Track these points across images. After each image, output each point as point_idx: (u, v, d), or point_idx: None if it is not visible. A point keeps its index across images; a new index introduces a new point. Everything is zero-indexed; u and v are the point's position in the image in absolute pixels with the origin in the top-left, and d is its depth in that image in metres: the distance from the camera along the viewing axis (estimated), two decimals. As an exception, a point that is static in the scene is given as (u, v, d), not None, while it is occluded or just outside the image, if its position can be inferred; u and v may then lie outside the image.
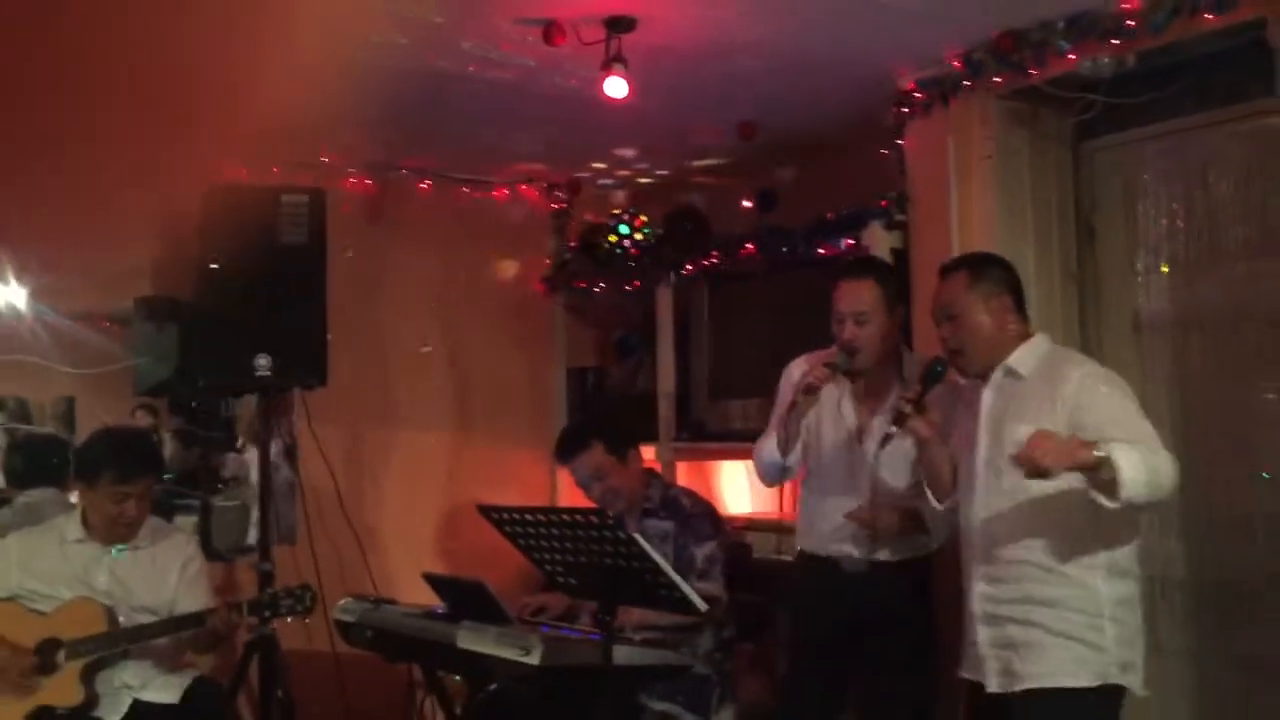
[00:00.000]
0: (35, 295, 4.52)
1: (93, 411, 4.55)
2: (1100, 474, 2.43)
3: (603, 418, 3.93)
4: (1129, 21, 3.10)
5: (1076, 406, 2.65)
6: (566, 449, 3.76)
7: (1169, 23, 3.03)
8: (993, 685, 2.77)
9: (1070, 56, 3.25)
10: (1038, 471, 2.44)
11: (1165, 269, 3.55)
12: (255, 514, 4.49)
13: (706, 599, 3.45)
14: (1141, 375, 3.57)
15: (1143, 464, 2.42)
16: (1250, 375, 3.35)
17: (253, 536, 4.51)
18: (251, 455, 4.56)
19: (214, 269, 3.86)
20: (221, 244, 3.85)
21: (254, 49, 3.11)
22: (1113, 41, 3.15)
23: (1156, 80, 3.34)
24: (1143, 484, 2.42)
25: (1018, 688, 2.71)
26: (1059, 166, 3.70)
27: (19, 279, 4.47)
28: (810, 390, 3.17)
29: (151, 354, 4.36)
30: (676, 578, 2.78)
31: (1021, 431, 2.68)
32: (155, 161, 3.66)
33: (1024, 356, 2.81)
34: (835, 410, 3.36)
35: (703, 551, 3.57)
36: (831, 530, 3.31)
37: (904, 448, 3.13)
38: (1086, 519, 2.61)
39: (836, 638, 3.32)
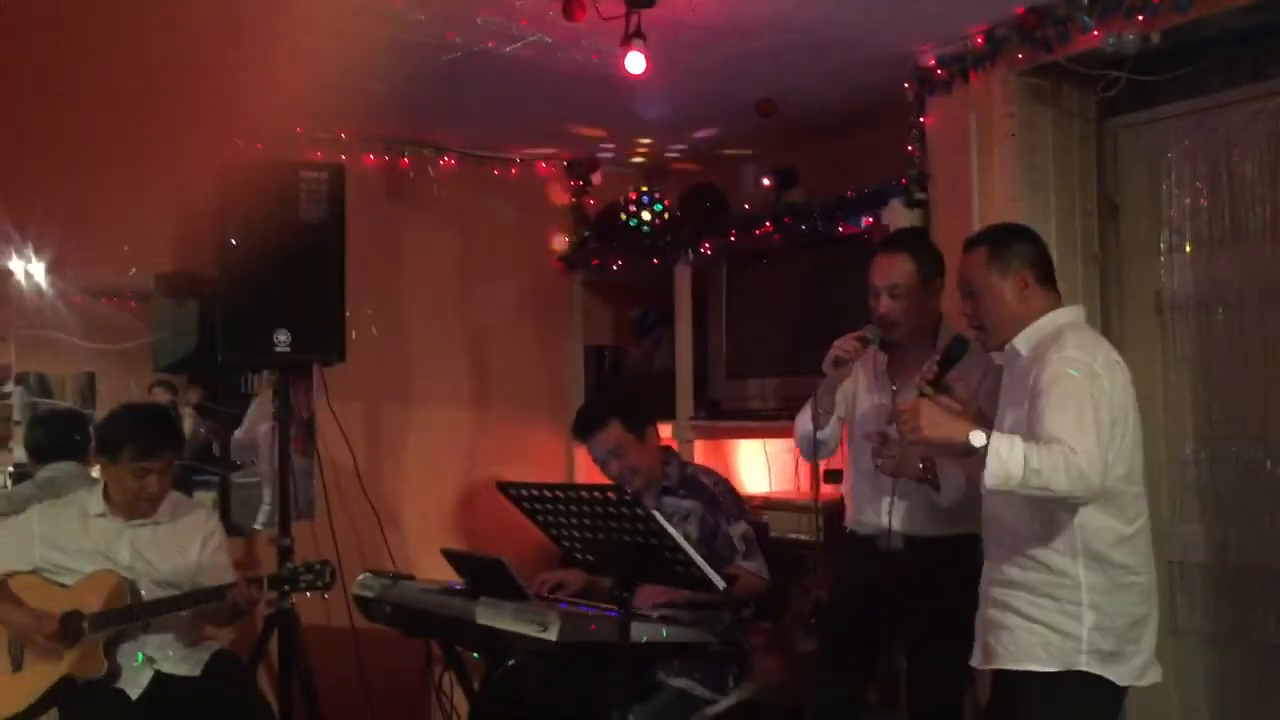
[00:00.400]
0: (57, 272, 4.54)
1: (113, 387, 4.58)
2: (976, 458, 2.49)
3: (620, 395, 3.93)
4: (1154, -3, 3.07)
5: (1033, 390, 2.64)
6: (584, 427, 3.76)
7: (1194, -1, 3.00)
8: (974, 659, 2.83)
9: (1094, 33, 3.21)
10: (914, 444, 2.53)
11: (1189, 248, 3.51)
12: (267, 493, 4.53)
13: (756, 576, 3.48)
14: (1164, 356, 3.55)
15: (1023, 463, 2.46)
16: (1275, 356, 3.32)
17: (263, 515, 4.54)
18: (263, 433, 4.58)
19: (233, 245, 3.86)
20: (241, 220, 3.86)
21: (272, 24, 3.10)
22: (1138, 18, 3.11)
23: (1181, 57, 3.30)
24: (1008, 479, 2.47)
25: (990, 665, 2.76)
26: (1081, 144, 3.66)
27: (41, 256, 4.49)
28: (839, 363, 3.18)
29: (171, 330, 4.38)
30: (695, 555, 2.78)
31: (1008, 414, 2.72)
32: (175, 138, 3.66)
33: (1028, 335, 2.77)
34: (871, 387, 3.36)
35: (738, 531, 3.59)
36: (867, 506, 3.30)
37: None
38: (1066, 510, 2.61)
39: (869, 613, 3.31)
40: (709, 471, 3.86)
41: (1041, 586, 2.65)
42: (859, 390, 3.39)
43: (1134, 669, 2.67)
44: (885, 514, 3.20)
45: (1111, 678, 2.64)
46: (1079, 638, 2.62)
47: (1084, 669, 2.62)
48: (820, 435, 3.32)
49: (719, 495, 3.65)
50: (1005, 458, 2.47)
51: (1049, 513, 2.63)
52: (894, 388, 3.30)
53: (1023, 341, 2.77)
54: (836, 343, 3.22)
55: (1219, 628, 3.44)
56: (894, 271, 3.21)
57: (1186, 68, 3.33)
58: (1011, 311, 2.79)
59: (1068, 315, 2.81)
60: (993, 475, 2.48)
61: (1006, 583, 2.72)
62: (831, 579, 3.64)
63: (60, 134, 3.53)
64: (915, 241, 3.38)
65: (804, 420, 3.35)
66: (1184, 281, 3.53)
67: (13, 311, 4.61)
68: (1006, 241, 2.85)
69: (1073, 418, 2.54)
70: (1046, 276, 2.83)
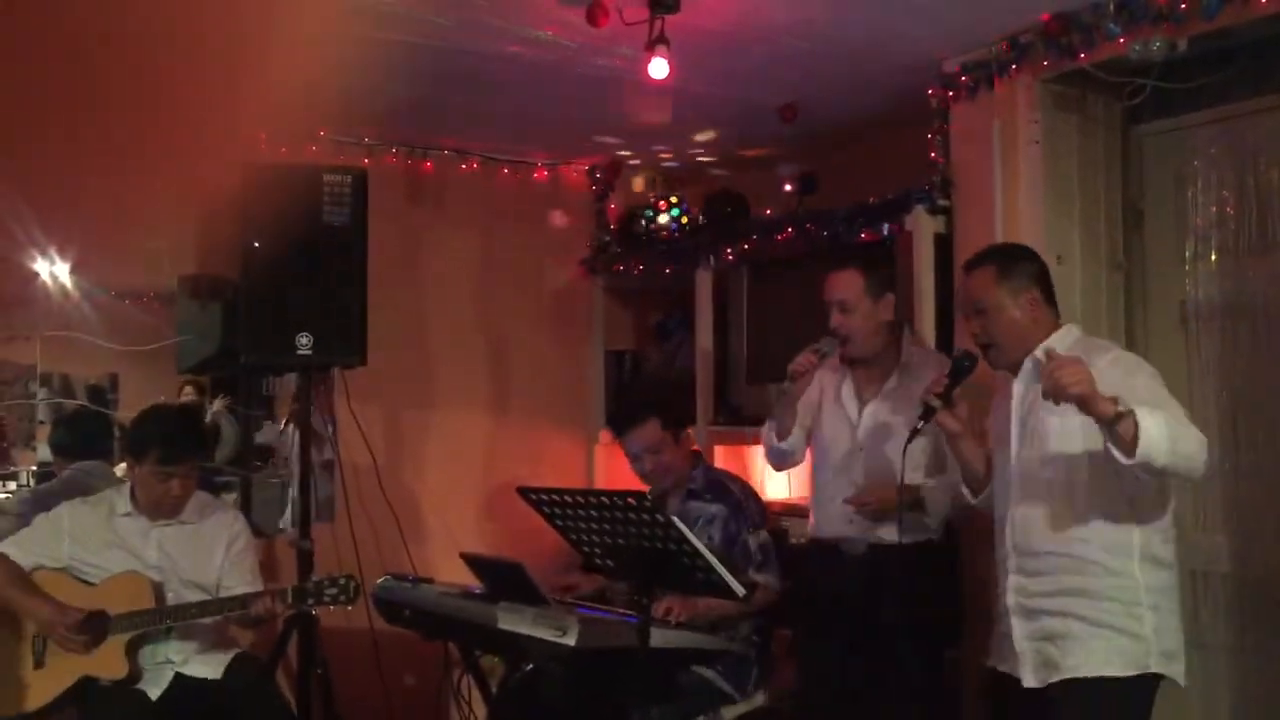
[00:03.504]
0: (81, 273, 4.57)
1: (136, 388, 4.61)
2: (1118, 429, 2.40)
3: (660, 394, 3.97)
4: (1181, 4, 3.04)
5: (1107, 387, 2.57)
6: (624, 421, 3.79)
7: (1221, 7, 2.97)
8: (1029, 680, 2.76)
9: (1120, 40, 3.19)
10: (1060, 394, 2.42)
11: (1214, 257, 3.48)
12: (292, 491, 4.53)
13: (766, 589, 3.49)
14: (1188, 367, 3.52)
15: (1165, 427, 2.39)
16: (1300, 367, 3.29)
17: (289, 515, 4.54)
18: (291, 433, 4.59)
19: (256, 247, 3.88)
20: (264, 223, 3.87)
21: (296, 26, 3.12)
22: (1164, 25, 3.09)
23: (1208, 65, 3.28)
24: (1161, 447, 2.38)
25: (1055, 679, 2.71)
26: (1107, 152, 3.64)
27: (65, 257, 4.52)
28: (794, 377, 3.29)
29: (194, 332, 4.39)
30: (715, 561, 2.77)
31: (1051, 422, 2.72)
32: (198, 140, 3.68)
33: (1053, 344, 2.77)
34: (835, 398, 3.48)
35: (757, 540, 3.60)
36: (831, 514, 3.42)
37: (896, 438, 3.20)
38: (1122, 510, 2.66)
39: (842, 619, 3.39)
40: (734, 478, 3.86)
41: (1105, 591, 2.67)
42: (824, 402, 3.50)
43: (1184, 666, 2.72)
44: (849, 521, 3.34)
45: (1177, 677, 2.69)
46: (1146, 638, 2.65)
47: (1155, 670, 2.65)
48: (785, 446, 3.48)
49: (744, 502, 3.67)
50: (1153, 423, 2.38)
51: (1107, 516, 2.67)
52: (860, 401, 3.42)
53: (1048, 350, 2.77)
54: (794, 360, 3.32)
55: (1242, 640, 3.41)
56: (841, 287, 3.36)
57: (1213, 75, 3.31)
58: (1022, 330, 2.85)
59: (1076, 331, 2.88)
60: (1145, 442, 2.36)
61: (1061, 591, 2.71)
62: (807, 586, 3.63)
63: (85, 137, 3.56)
64: (866, 259, 3.50)
65: (768, 431, 3.51)
66: (1209, 291, 3.50)
67: (38, 312, 4.64)
68: (1013, 260, 2.90)
69: (1171, 400, 2.60)
70: (1048, 295, 2.89)
